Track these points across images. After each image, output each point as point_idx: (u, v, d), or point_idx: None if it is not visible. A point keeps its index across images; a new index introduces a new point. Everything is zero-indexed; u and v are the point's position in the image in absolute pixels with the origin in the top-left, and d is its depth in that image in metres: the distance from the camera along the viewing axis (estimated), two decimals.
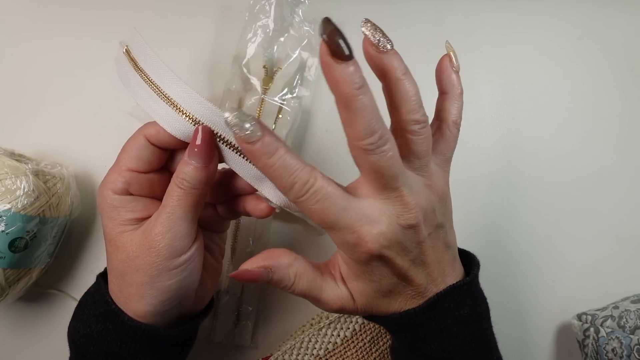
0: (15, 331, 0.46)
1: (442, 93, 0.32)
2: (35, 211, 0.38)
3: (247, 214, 0.33)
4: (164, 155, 0.31)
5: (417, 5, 0.50)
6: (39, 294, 0.46)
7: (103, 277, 0.32)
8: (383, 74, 0.27)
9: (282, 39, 0.46)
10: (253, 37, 0.45)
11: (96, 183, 0.47)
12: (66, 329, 0.32)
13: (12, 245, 0.38)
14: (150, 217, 0.29)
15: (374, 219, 0.26)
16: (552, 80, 0.49)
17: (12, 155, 0.41)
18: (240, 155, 0.29)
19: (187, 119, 0.28)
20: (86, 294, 0.32)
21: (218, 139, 0.28)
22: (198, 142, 0.27)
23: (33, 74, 0.48)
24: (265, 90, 0.45)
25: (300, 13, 0.47)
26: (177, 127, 0.28)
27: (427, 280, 0.29)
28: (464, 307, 0.30)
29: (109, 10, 0.49)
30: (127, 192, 0.29)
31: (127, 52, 0.30)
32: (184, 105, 0.28)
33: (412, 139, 0.27)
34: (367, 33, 0.27)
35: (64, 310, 0.46)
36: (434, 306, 0.29)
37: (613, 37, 0.50)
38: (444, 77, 0.32)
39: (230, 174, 0.31)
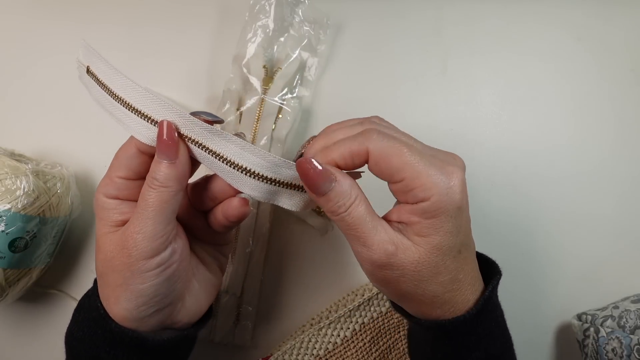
0: (15, 331, 0.46)
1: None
2: (35, 211, 0.38)
3: (227, 219, 0.31)
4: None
5: (417, 5, 0.50)
6: (39, 294, 0.46)
7: None
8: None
9: (282, 39, 0.46)
10: (253, 37, 0.45)
11: (96, 183, 0.47)
12: (66, 329, 0.32)
13: (12, 245, 0.38)
14: None
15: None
16: (552, 80, 0.49)
17: (12, 155, 0.41)
18: (218, 160, 0.29)
19: (151, 122, 0.28)
20: (84, 296, 0.32)
21: (191, 142, 0.29)
22: (162, 138, 0.28)
23: (33, 74, 0.48)
24: (265, 90, 0.45)
25: (300, 13, 0.47)
26: (148, 134, 0.29)
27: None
28: (498, 309, 0.30)
29: (109, 10, 0.49)
30: (118, 197, 0.30)
31: (92, 74, 0.31)
32: (146, 109, 0.28)
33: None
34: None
35: (64, 310, 0.46)
36: (482, 311, 0.28)
37: (613, 38, 0.50)
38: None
39: (212, 180, 0.31)
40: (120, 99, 0.29)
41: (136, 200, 0.30)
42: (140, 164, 0.30)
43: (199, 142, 0.29)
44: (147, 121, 0.28)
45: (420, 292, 0.27)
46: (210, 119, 0.29)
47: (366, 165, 0.28)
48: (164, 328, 0.31)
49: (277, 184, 0.29)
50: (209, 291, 0.33)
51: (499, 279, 0.30)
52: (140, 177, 0.30)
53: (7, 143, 0.44)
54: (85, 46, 0.30)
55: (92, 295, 0.31)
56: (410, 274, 0.26)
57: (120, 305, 0.28)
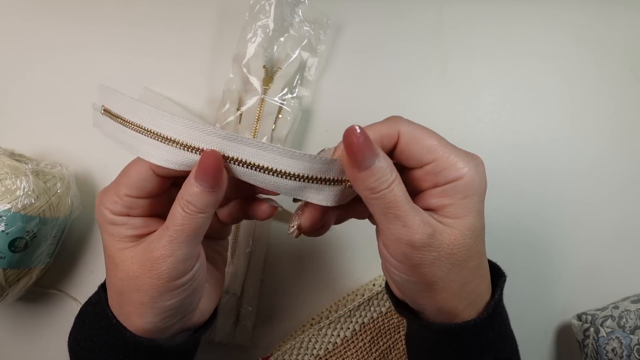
0: (15, 331, 0.46)
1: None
2: (35, 211, 0.38)
3: (249, 217, 0.32)
4: (167, 182, 0.29)
5: (417, 6, 0.50)
6: (39, 294, 0.46)
7: (104, 288, 0.31)
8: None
9: (282, 39, 0.46)
10: (253, 37, 0.45)
11: (96, 183, 0.47)
12: (66, 329, 0.31)
13: (12, 245, 0.38)
14: (150, 233, 0.28)
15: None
16: (552, 80, 0.49)
17: (12, 155, 0.41)
18: (272, 175, 0.27)
19: (190, 150, 0.27)
20: (87, 304, 0.31)
21: (233, 162, 0.27)
22: (206, 166, 0.26)
23: (33, 74, 0.48)
24: (265, 90, 0.45)
25: (300, 13, 0.47)
26: (170, 157, 0.27)
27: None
28: (504, 312, 0.30)
29: (109, 10, 0.49)
30: (128, 214, 0.29)
31: (107, 111, 0.29)
32: (185, 138, 0.27)
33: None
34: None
35: (64, 310, 0.46)
36: (493, 315, 0.28)
37: (613, 38, 0.50)
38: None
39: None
40: (135, 125, 0.27)
41: (146, 215, 0.29)
42: (154, 186, 0.28)
43: (231, 156, 0.27)
44: (171, 144, 0.27)
45: (452, 277, 0.26)
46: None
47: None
48: (180, 331, 0.31)
49: (304, 180, 0.27)
50: (217, 288, 0.33)
51: (505, 280, 0.30)
52: (152, 196, 0.29)
53: (7, 143, 0.44)
54: (101, 88, 0.29)
55: (98, 304, 0.30)
56: (445, 256, 0.26)
57: (145, 320, 0.28)
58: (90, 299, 0.32)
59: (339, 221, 0.32)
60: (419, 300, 0.28)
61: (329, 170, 0.27)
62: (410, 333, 0.34)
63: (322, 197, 0.28)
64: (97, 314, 0.30)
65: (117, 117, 0.28)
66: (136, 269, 0.27)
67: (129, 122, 0.28)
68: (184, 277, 0.28)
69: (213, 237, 0.34)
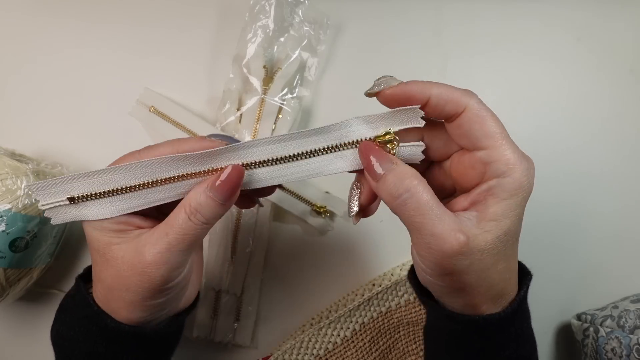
0: (15, 331, 0.46)
1: None
2: (36, 211, 0.38)
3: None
4: None
5: (417, 6, 0.50)
6: (40, 294, 0.46)
7: (82, 278, 0.31)
8: None
9: (282, 39, 0.46)
10: (253, 37, 0.45)
11: None
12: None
13: (13, 245, 0.38)
14: (136, 227, 0.28)
15: None
16: (551, 81, 0.49)
17: (13, 155, 0.41)
18: (291, 160, 0.27)
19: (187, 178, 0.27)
20: (66, 297, 0.31)
21: (247, 167, 0.27)
22: (224, 177, 0.26)
23: (33, 74, 0.48)
24: (265, 90, 0.45)
25: (300, 13, 0.47)
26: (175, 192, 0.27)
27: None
28: (528, 310, 0.29)
29: (109, 10, 0.49)
30: None
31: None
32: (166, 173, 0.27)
33: None
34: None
35: None
36: (517, 311, 0.28)
37: (612, 38, 0.50)
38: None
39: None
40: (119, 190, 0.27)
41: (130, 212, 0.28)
42: None
43: (268, 159, 0.27)
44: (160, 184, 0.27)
45: (481, 282, 0.26)
46: (223, 140, 0.28)
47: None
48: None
49: (323, 152, 0.28)
50: (199, 272, 0.33)
51: (531, 279, 0.30)
52: None
53: (7, 143, 0.44)
54: (42, 187, 0.27)
55: (78, 294, 0.30)
56: (477, 263, 0.25)
57: (135, 315, 0.28)
58: (69, 291, 0.32)
59: None
60: (443, 298, 0.28)
61: (346, 135, 0.27)
62: (431, 322, 0.33)
63: (350, 163, 0.28)
64: (77, 304, 0.30)
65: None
66: (126, 269, 0.26)
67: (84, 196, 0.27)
68: (176, 280, 0.28)
69: None
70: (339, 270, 0.47)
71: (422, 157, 0.28)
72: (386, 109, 0.27)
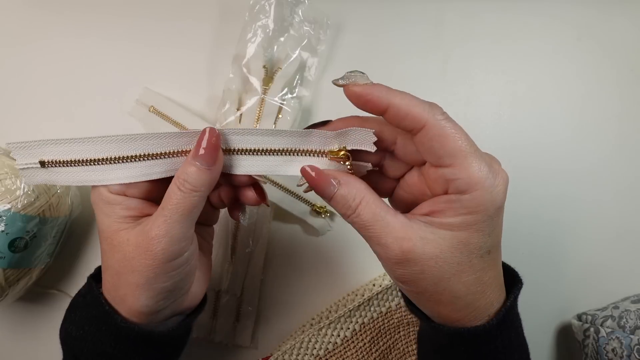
0: (15, 331, 0.46)
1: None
2: (35, 211, 0.38)
3: (238, 202, 0.32)
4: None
5: (417, 8, 0.50)
6: (39, 294, 0.46)
7: (94, 278, 0.31)
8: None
9: (282, 39, 0.46)
10: (253, 37, 0.45)
11: None
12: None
13: (12, 245, 0.38)
14: (145, 215, 0.29)
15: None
16: (551, 81, 0.49)
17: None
18: (253, 155, 0.29)
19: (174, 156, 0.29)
20: (77, 295, 0.32)
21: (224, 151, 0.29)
22: (204, 144, 0.27)
23: (33, 75, 0.48)
24: (265, 90, 0.45)
25: (300, 13, 0.47)
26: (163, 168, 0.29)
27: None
28: (518, 319, 0.29)
29: (108, 11, 0.49)
30: (125, 194, 0.29)
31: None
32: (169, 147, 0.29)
33: None
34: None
35: (64, 310, 0.46)
36: (503, 321, 0.27)
37: (612, 38, 0.50)
38: None
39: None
40: (100, 160, 0.29)
41: (142, 198, 0.30)
42: (150, 183, 0.30)
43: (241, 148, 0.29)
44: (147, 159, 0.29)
45: (440, 290, 0.26)
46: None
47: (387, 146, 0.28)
48: (172, 315, 0.31)
49: (287, 153, 0.29)
50: (206, 273, 0.34)
51: (521, 287, 0.29)
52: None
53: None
54: (20, 147, 0.30)
55: (89, 294, 0.30)
56: (430, 270, 0.25)
57: (141, 303, 0.28)
58: (80, 290, 0.32)
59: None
60: (418, 305, 0.29)
61: (307, 142, 0.29)
62: (421, 332, 0.34)
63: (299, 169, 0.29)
64: (88, 304, 0.30)
65: (68, 162, 0.30)
66: (132, 250, 0.28)
67: (79, 161, 0.30)
68: (179, 259, 0.28)
69: (202, 222, 0.34)
70: (339, 270, 0.47)
71: (369, 168, 0.29)
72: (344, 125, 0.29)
